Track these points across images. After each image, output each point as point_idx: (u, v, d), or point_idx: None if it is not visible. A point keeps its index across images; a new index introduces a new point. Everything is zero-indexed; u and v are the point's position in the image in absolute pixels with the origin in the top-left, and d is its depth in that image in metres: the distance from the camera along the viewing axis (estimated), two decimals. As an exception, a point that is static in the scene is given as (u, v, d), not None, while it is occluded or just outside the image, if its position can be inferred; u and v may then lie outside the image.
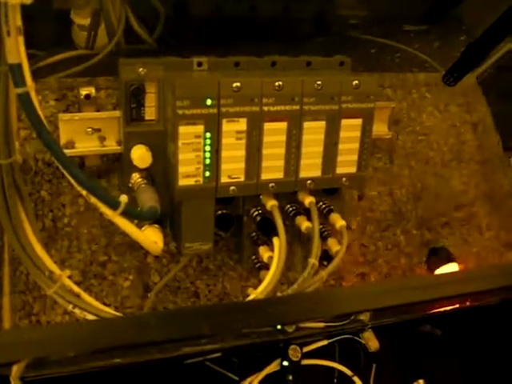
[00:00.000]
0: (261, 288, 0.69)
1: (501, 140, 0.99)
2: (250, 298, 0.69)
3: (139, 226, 0.68)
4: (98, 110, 0.72)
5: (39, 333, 0.43)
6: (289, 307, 0.50)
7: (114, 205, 0.59)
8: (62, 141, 0.69)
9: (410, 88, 0.94)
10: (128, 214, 0.61)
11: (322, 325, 0.82)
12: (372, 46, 0.92)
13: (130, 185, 0.70)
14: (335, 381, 0.89)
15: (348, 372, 0.90)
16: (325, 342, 0.88)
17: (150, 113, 0.69)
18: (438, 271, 0.89)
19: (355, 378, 0.90)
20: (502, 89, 0.98)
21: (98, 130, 0.71)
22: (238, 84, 0.65)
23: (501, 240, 0.97)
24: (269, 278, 0.70)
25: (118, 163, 0.76)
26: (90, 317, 0.64)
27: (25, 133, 0.73)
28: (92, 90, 0.71)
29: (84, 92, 0.71)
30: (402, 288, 0.54)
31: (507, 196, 0.99)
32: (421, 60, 0.95)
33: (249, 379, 0.84)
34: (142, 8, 0.87)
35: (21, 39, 0.52)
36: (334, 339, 0.89)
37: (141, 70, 0.67)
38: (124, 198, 0.60)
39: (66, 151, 0.69)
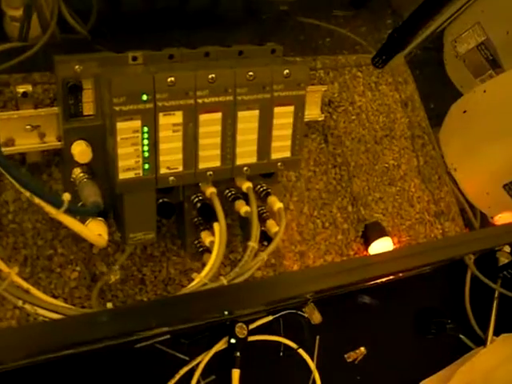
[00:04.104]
0: (204, 272, 0.72)
1: (427, 116, 1.04)
2: (195, 282, 0.72)
3: (83, 220, 0.70)
4: (36, 106, 0.73)
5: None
6: (234, 296, 0.53)
7: (57, 203, 0.61)
8: (2, 139, 0.70)
9: (342, 69, 0.98)
10: (72, 211, 0.63)
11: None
12: (302, 30, 0.95)
13: (72, 179, 0.72)
14: (281, 354, 0.93)
15: (293, 345, 0.94)
16: (269, 318, 0.92)
17: (88, 108, 0.71)
18: (373, 245, 0.94)
19: (300, 351, 0.94)
20: (427, 67, 1.03)
21: (38, 127, 0.72)
22: (173, 78, 0.66)
23: (430, 211, 1.03)
24: (211, 262, 0.72)
25: (58, 157, 0.77)
26: (40, 311, 0.66)
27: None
28: (29, 88, 0.72)
29: (21, 90, 0.71)
30: (340, 270, 0.57)
31: (435, 169, 1.05)
32: (352, 42, 0.98)
33: (198, 358, 0.87)
34: (75, -1, 0.87)
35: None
36: (278, 315, 0.93)
37: (77, 67, 0.68)
38: (67, 196, 0.61)
39: (6, 149, 0.71)
